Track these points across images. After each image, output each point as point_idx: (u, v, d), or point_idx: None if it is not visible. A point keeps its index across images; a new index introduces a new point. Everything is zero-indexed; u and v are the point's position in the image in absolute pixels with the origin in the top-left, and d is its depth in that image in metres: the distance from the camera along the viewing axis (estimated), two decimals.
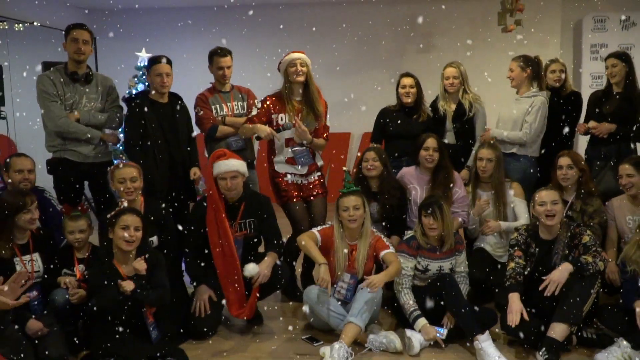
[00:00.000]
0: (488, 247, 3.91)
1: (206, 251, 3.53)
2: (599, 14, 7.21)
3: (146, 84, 6.48)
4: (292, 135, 3.92)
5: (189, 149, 4.05)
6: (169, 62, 3.91)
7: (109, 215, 3.11)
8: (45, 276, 3.23)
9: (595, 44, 7.26)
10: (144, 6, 7.82)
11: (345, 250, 3.39)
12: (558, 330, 3.02)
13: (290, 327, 3.51)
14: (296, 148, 3.93)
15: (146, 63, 6.47)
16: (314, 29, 7.40)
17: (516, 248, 3.35)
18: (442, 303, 3.32)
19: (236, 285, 3.39)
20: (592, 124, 4.22)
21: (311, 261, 3.59)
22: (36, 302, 3.13)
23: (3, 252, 3.08)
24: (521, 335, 3.08)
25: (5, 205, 3.09)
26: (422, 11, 7.46)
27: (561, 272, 3.08)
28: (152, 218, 3.44)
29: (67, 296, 3.09)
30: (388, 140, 4.45)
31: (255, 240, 3.62)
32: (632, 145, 4.23)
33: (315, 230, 3.50)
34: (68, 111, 3.88)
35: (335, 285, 3.40)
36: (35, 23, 6.79)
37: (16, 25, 6.62)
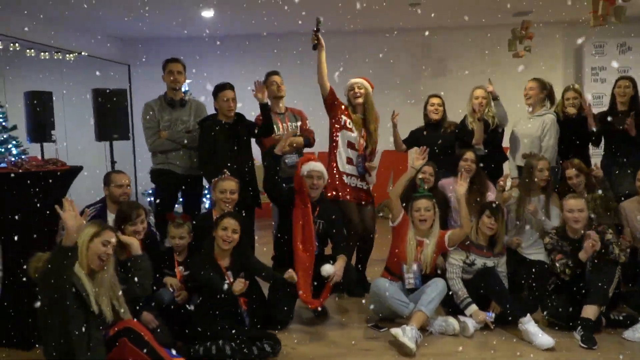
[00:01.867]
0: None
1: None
2: (598, 39, 7.89)
3: None
4: (353, 140, 4.54)
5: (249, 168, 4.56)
6: (232, 87, 4.49)
7: (215, 218, 3.70)
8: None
9: (596, 67, 7.93)
10: (175, 35, 8.42)
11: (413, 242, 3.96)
12: (590, 311, 3.59)
13: (354, 319, 4.07)
14: (358, 158, 4.57)
15: (187, 88, 7.13)
16: (333, 55, 7.99)
17: (555, 252, 3.87)
18: (482, 292, 3.87)
19: (310, 278, 3.91)
20: (629, 120, 4.69)
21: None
22: (144, 300, 3.56)
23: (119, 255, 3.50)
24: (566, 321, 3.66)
25: (118, 216, 3.62)
26: (436, 38, 8.15)
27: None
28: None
29: (172, 296, 3.61)
30: None
31: (324, 239, 4.19)
32: None
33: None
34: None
35: (403, 278, 3.95)
36: (83, 53, 7.34)
37: (67, 55, 7.16)
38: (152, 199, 5.35)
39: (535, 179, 4.36)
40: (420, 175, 4.47)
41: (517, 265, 4.27)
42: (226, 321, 3.50)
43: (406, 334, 3.48)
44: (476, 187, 4.52)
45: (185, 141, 4.62)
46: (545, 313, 3.80)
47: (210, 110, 4.72)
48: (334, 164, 4.56)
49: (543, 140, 4.85)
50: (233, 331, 3.41)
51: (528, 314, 3.63)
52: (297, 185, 4.13)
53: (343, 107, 4.58)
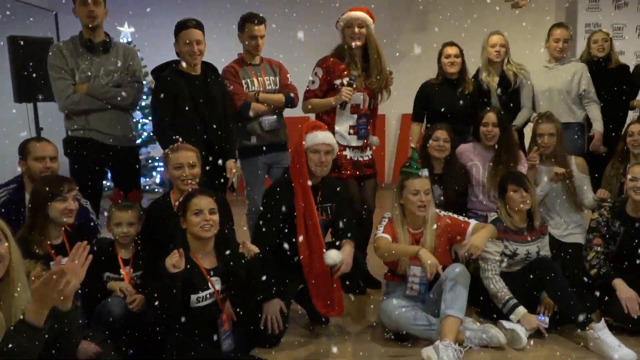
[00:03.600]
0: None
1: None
2: None
3: None
4: (358, 101, 3.58)
5: (223, 134, 3.50)
6: (198, 25, 3.36)
7: (177, 202, 2.62)
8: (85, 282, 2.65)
9: (590, 23, 7.23)
10: None
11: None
12: None
13: (363, 325, 3.14)
14: (362, 119, 3.60)
15: (129, 39, 5.92)
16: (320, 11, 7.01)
17: (595, 234, 3.11)
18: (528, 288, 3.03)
19: (323, 277, 2.95)
20: None
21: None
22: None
23: (37, 249, 2.52)
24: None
25: (38, 193, 2.53)
26: None
27: None
28: None
29: (123, 305, 2.57)
30: (431, 117, 4.09)
31: (332, 226, 3.18)
32: None
33: (381, 233, 3.00)
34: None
35: (406, 283, 3.02)
36: None
37: None
38: None
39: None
40: (432, 143, 3.55)
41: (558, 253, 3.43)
42: (201, 346, 2.49)
43: (441, 357, 2.57)
44: (504, 158, 3.61)
45: (119, 98, 3.44)
46: (606, 314, 2.97)
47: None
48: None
49: (585, 91, 4.10)
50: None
51: (603, 320, 2.80)
52: (296, 162, 3.08)
53: (332, 68, 3.57)
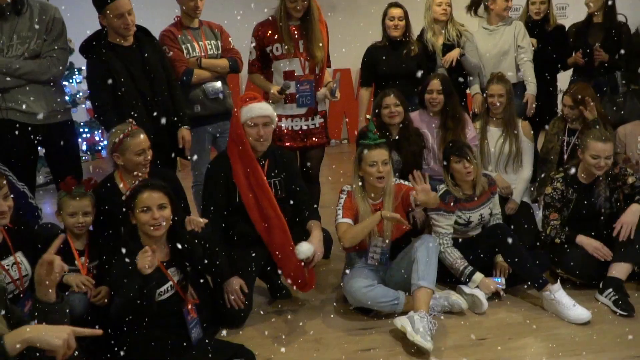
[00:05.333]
0: None
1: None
2: None
3: None
4: (291, 67, 3.41)
5: (170, 103, 3.26)
6: None
7: (124, 197, 2.44)
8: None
9: None
10: None
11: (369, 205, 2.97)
12: (620, 270, 2.98)
13: (326, 298, 3.13)
14: (303, 86, 3.43)
15: None
16: None
17: (551, 210, 3.21)
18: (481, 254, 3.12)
19: (287, 250, 2.87)
20: (596, 47, 4.16)
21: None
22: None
23: None
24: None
25: None
26: None
27: (633, 214, 3.02)
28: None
29: (85, 301, 2.39)
30: (380, 81, 4.05)
31: (285, 202, 3.05)
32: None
33: (341, 218, 2.93)
34: None
35: (367, 253, 3.04)
36: None
37: None
38: None
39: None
40: (383, 111, 3.50)
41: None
42: (170, 339, 2.38)
43: (417, 328, 2.59)
44: (450, 124, 3.63)
45: (38, 73, 3.03)
46: (562, 269, 3.15)
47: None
48: None
49: (520, 53, 4.12)
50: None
51: (558, 281, 2.94)
52: (236, 138, 2.93)
53: (263, 35, 3.41)
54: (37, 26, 3.02)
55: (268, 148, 3.00)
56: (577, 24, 4.43)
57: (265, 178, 2.92)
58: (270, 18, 3.46)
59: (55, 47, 3.11)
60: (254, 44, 3.43)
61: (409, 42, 4.02)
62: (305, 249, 2.79)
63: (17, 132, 2.97)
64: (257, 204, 2.90)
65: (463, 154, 3.11)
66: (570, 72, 4.54)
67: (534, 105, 4.12)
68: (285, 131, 3.50)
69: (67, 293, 2.42)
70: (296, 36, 3.41)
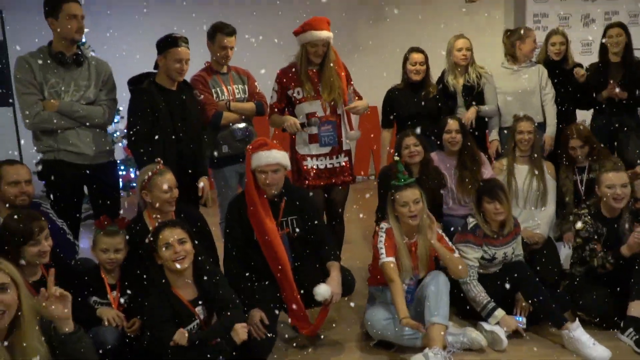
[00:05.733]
0: None
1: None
2: None
3: None
4: (313, 109, 3.55)
5: (196, 150, 3.45)
6: (187, 43, 3.29)
7: (147, 240, 2.60)
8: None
9: (537, 14, 7.43)
10: None
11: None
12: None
13: (349, 334, 3.20)
14: (325, 126, 3.56)
15: (83, 40, 5.67)
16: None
17: (594, 242, 3.21)
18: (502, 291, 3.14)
19: (292, 292, 2.97)
20: (611, 87, 4.20)
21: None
22: None
23: None
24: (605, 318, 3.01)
25: (7, 236, 2.43)
26: None
27: None
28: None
29: (116, 334, 2.53)
30: (400, 123, 4.19)
31: (301, 240, 3.16)
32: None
33: (385, 257, 2.96)
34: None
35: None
36: None
37: None
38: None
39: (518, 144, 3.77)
40: (404, 152, 3.61)
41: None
42: None
43: None
44: (468, 164, 3.74)
45: (93, 117, 3.28)
46: (580, 310, 3.16)
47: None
48: (295, 147, 3.63)
49: (543, 94, 4.23)
50: None
51: (577, 320, 2.96)
52: (247, 184, 3.06)
53: (285, 80, 3.58)
54: (93, 78, 3.31)
55: (285, 187, 3.12)
56: (595, 64, 4.50)
57: (273, 219, 3.02)
58: (291, 64, 3.63)
59: (109, 98, 3.39)
60: (276, 89, 3.60)
61: (428, 84, 4.16)
62: (322, 290, 2.87)
63: (66, 172, 3.22)
64: (265, 244, 3.00)
65: (495, 196, 3.18)
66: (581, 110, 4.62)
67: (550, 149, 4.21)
68: (310, 170, 3.61)
69: (102, 326, 2.57)
70: (316, 80, 3.57)
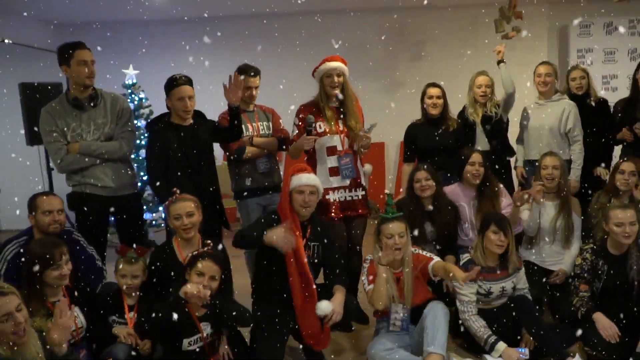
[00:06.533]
0: (534, 258, 3.82)
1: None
2: (584, 19, 7.34)
3: (135, 102, 6.13)
4: (333, 143, 3.74)
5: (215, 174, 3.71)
6: (189, 81, 3.57)
7: (190, 255, 2.88)
8: (91, 329, 2.90)
9: (582, 49, 7.37)
10: (127, 19, 7.40)
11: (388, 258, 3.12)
12: None
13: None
14: (344, 159, 3.74)
15: (134, 81, 6.18)
16: (304, 37, 7.26)
17: (581, 280, 3.24)
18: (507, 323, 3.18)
19: (310, 314, 3.11)
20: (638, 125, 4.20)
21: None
22: None
23: (35, 321, 2.59)
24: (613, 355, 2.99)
25: (31, 262, 2.71)
26: (412, 19, 7.49)
27: None
28: None
29: (128, 351, 2.77)
30: (420, 156, 4.31)
31: (318, 267, 3.35)
32: None
33: (368, 285, 3.20)
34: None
35: (389, 319, 3.23)
36: (6, 40, 6.26)
37: None
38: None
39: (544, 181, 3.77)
40: (416, 185, 3.73)
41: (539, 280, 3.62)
42: None
43: None
44: (488, 194, 3.82)
45: (112, 152, 3.57)
46: (588, 346, 3.13)
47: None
48: None
49: (570, 130, 4.26)
50: None
51: (577, 355, 2.96)
52: (283, 203, 3.28)
53: (311, 114, 3.74)
54: (110, 114, 3.60)
55: (313, 216, 3.32)
56: (624, 99, 4.48)
57: (301, 241, 3.20)
58: (313, 100, 3.85)
59: (125, 130, 3.67)
60: (297, 123, 3.80)
61: (447, 118, 4.28)
62: (324, 306, 3.04)
63: (92, 204, 3.52)
64: (294, 265, 3.15)
65: (502, 227, 3.25)
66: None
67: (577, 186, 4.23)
68: (333, 203, 3.78)
69: (115, 344, 2.81)
70: (335, 116, 3.77)
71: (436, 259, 3.22)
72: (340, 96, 3.74)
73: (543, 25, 7.56)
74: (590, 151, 4.33)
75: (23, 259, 2.82)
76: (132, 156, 4.36)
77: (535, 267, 3.77)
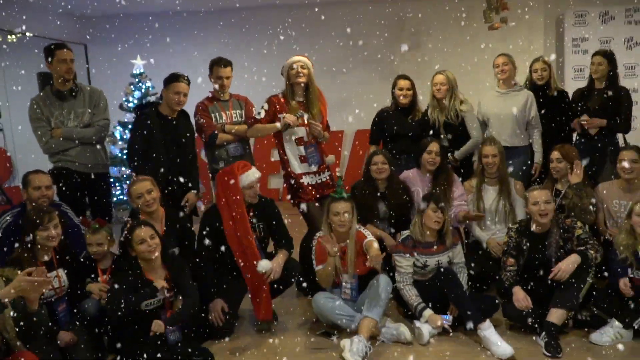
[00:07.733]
0: (485, 235, 4.14)
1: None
2: (579, 9, 7.45)
3: (142, 91, 6.63)
4: (300, 134, 4.11)
5: (187, 169, 4.11)
6: (187, 81, 4.05)
7: (121, 238, 3.32)
8: (70, 290, 3.36)
9: (577, 38, 7.48)
10: (135, 12, 7.91)
11: (336, 248, 3.49)
12: (556, 315, 3.26)
13: (304, 323, 3.75)
14: (310, 149, 4.14)
15: (142, 70, 6.69)
16: (304, 29, 7.61)
17: (508, 256, 3.55)
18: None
19: (262, 286, 3.57)
20: (585, 117, 4.46)
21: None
22: (64, 314, 3.30)
23: (4, 271, 3.06)
24: (528, 321, 3.33)
25: (25, 224, 3.23)
26: (410, 10, 7.77)
27: (571, 263, 3.32)
28: (174, 228, 3.67)
29: (97, 305, 3.25)
30: (386, 140, 4.66)
31: (266, 242, 3.80)
32: (621, 140, 4.52)
33: (316, 266, 3.59)
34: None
35: (339, 288, 3.64)
36: (28, 34, 6.85)
37: (9, 36, 6.68)
38: None
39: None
40: (372, 167, 4.09)
41: (484, 262, 3.96)
42: (148, 339, 3.12)
43: (352, 349, 3.15)
44: (441, 182, 4.15)
45: (88, 137, 4.15)
46: (505, 315, 3.50)
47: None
48: (289, 168, 4.16)
49: (533, 118, 4.55)
50: (158, 355, 3.06)
51: (488, 320, 3.31)
52: (231, 193, 3.65)
53: (278, 107, 4.11)
54: (87, 105, 4.19)
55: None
56: (580, 89, 4.71)
57: (248, 218, 3.64)
58: (282, 93, 4.20)
59: (100, 119, 4.24)
60: (266, 108, 4.12)
61: (415, 108, 4.62)
62: (263, 263, 3.51)
63: (70, 178, 4.12)
64: (239, 242, 3.60)
65: (441, 206, 3.61)
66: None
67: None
68: (308, 186, 4.17)
69: (87, 300, 3.30)
70: (301, 109, 4.14)
71: (370, 237, 3.59)
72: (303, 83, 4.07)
73: (539, 14, 7.71)
74: (550, 138, 4.57)
75: (20, 222, 3.34)
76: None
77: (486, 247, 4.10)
